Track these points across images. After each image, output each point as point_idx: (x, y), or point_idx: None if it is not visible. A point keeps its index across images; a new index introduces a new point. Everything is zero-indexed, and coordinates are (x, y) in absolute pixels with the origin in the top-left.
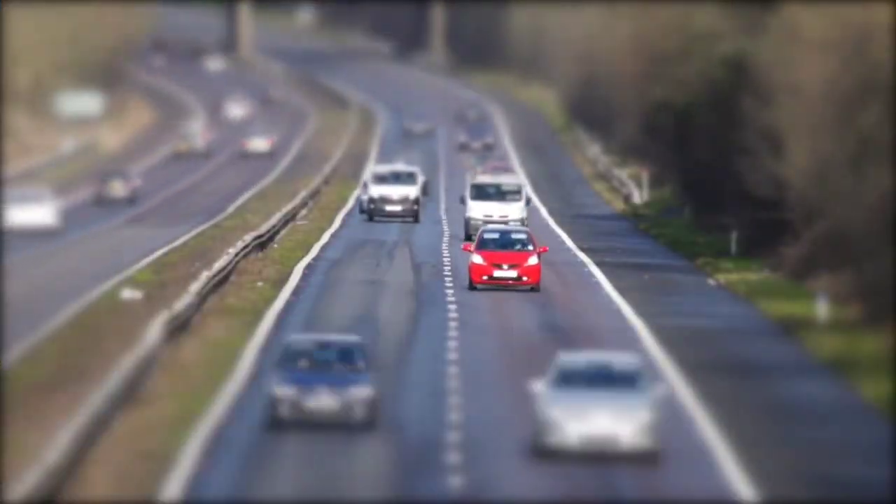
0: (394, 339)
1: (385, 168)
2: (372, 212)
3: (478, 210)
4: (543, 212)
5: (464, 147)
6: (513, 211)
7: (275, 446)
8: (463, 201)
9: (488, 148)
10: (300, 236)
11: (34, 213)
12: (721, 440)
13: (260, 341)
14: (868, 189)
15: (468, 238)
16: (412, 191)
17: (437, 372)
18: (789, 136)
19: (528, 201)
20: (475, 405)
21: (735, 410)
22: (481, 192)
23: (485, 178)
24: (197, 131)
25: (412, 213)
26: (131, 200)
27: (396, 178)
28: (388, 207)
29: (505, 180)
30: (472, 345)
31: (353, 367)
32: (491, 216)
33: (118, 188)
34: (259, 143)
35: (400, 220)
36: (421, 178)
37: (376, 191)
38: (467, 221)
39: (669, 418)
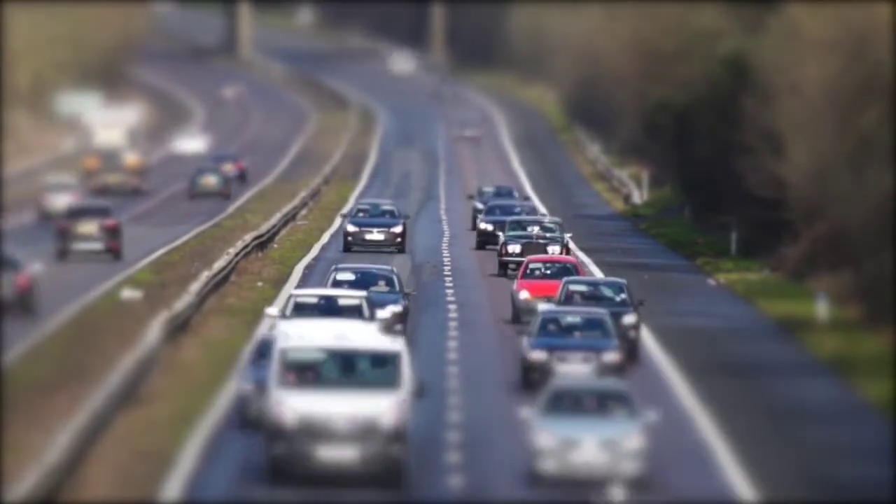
0: None
1: (314, 294)
2: (249, 420)
3: None
4: (543, 211)
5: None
6: None
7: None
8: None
9: (547, 231)
10: (300, 236)
11: (194, 143)
12: (721, 440)
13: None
14: (868, 189)
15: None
16: (367, 334)
17: (437, 372)
18: (789, 136)
19: None
20: (475, 405)
21: (735, 410)
22: None
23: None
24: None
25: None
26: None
27: (332, 309)
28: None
29: None
30: (472, 345)
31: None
32: None
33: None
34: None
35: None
36: (397, 305)
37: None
38: None
39: (668, 421)
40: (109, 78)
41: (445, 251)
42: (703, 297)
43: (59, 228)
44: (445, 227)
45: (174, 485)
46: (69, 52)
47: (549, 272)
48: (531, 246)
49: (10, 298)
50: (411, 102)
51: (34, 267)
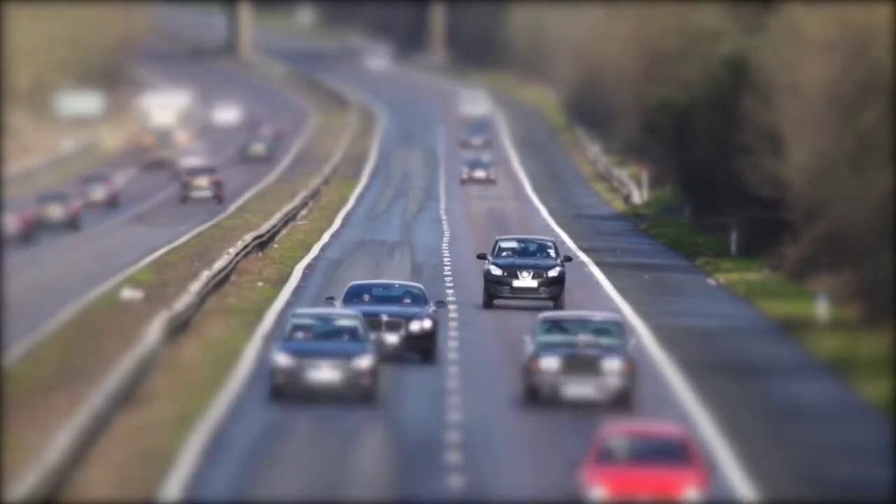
0: None
1: None
2: None
3: None
4: (543, 212)
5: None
6: None
7: (275, 446)
8: None
9: (600, 334)
10: (300, 236)
11: (229, 114)
12: (721, 440)
13: (260, 341)
14: (868, 189)
15: None
16: None
17: (437, 372)
18: (789, 136)
19: None
20: (475, 405)
21: (735, 410)
22: None
23: None
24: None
25: None
26: None
27: None
28: None
29: None
30: (472, 345)
31: None
32: None
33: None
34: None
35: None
36: None
37: None
38: None
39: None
40: (109, 78)
41: (445, 251)
42: (703, 297)
43: (183, 182)
44: (445, 227)
45: (174, 485)
46: (69, 52)
47: (642, 453)
48: (576, 361)
49: (65, 219)
50: (412, 102)
51: (76, 200)
